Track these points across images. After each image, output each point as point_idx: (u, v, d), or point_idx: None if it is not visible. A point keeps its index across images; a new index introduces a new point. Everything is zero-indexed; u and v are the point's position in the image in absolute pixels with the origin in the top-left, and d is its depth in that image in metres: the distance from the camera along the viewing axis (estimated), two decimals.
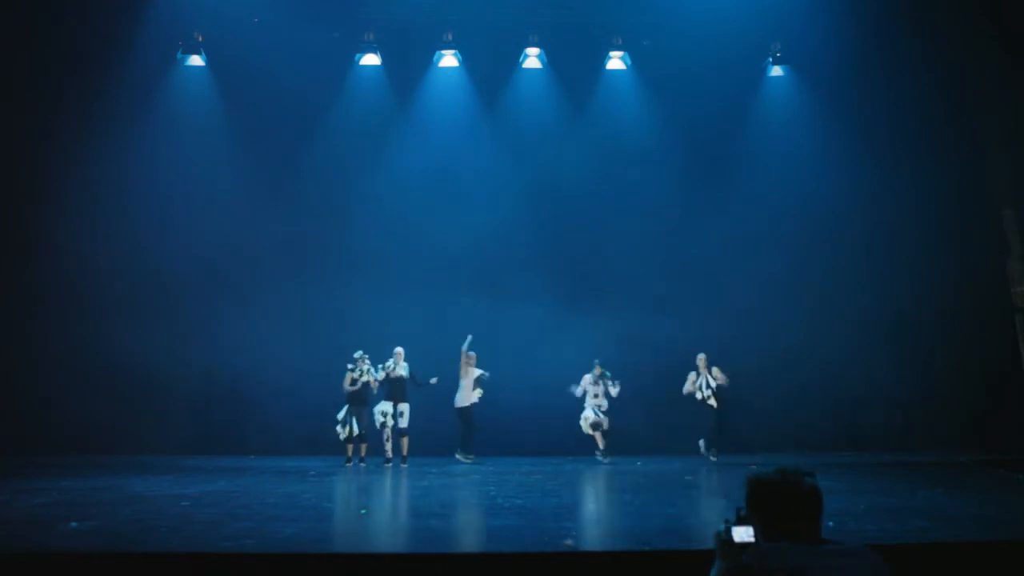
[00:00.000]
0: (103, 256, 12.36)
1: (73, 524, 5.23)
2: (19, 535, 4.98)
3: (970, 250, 12.74)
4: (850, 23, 12.49)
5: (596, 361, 11.47)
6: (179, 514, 5.87)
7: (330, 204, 13.11)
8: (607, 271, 13.06)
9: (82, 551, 4.41)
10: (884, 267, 12.90)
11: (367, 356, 10.78)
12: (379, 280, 12.66)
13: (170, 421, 12.23)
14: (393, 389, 10.76)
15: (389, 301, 12.43)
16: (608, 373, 11.41)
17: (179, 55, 13.07)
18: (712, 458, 11.00)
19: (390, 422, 10.68)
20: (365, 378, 10.69)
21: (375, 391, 10.81)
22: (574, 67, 13.53)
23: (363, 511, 6.72)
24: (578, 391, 11.40)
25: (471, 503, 7.15)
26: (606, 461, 11.00)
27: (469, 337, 11.37)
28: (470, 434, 11.18)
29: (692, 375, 11.38)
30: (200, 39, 12.95)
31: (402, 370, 10.82)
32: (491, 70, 13.52)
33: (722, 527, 2.18)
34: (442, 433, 11.41)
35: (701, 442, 11.18)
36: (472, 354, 11.38)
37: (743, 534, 2.14)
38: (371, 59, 13.32)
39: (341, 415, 10.68)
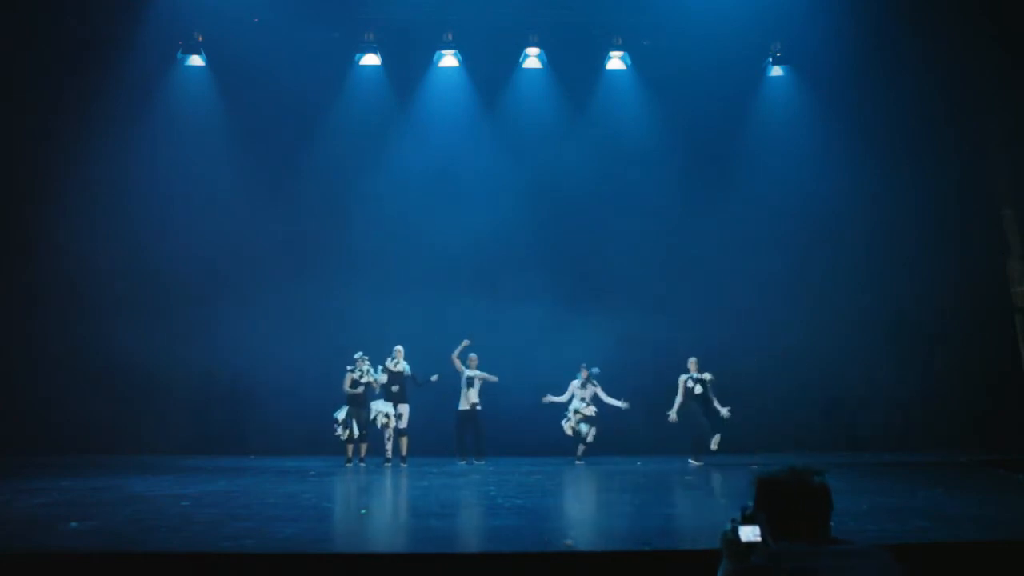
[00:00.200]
0: (103, 256, 12.36)
1: (73, 524, 5.23)
2: (19, 535, 4.97)
3: (970, 250, 12.74)
4: (850, 23, 12.49)
5: (583, 365, 11.42)
6: (179, 514, 5.87)
7: (330, 204, 13.11)
8: (607, 271, 13.07)
9: (82, 551, 4.41)
10: (884, 267, 12.90)
11: (367, 357, 10.77)
12: (379, 280, 12.66)
13: (170, 421, 12.23)
14: (393, 389, 10.75)
15: (389, 301, 12.43)
16: (595, 375, 11.36)
17: (179, 55, 13.06)
18: (697, 463, 10.70)
19: (392, 423, 10.68)
20: (365, 379, 10.69)
21: (377, 391, 10.80)
22: (574, 67, 13.53)
23: (363, 511, 6.72)
24: (564, 396, 11.34)
25: (471, 503, 7.14)
26: (579, 463, 11.03)
27: (464, 342, 11.33)
28: (474, 437, 11.15)
29: (683, 377, 11.20)
30: (200, 39, 12.94)
31: (402, 367, 10.81)
32: (491, 70, 13.52)
33: (728, 527, 2.15)
34: (442, 433, 11.40)
35: (691, 461, 10.90)
36: (473, 356, 11.34)
37: (749, 534, 2.11)
38: (371, 59, 13.32)
39: (341, 416, 10.67)
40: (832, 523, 2.24)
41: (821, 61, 13.03)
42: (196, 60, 13.14)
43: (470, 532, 5.77)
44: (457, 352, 11.31)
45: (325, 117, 13.28)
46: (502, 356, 11.72)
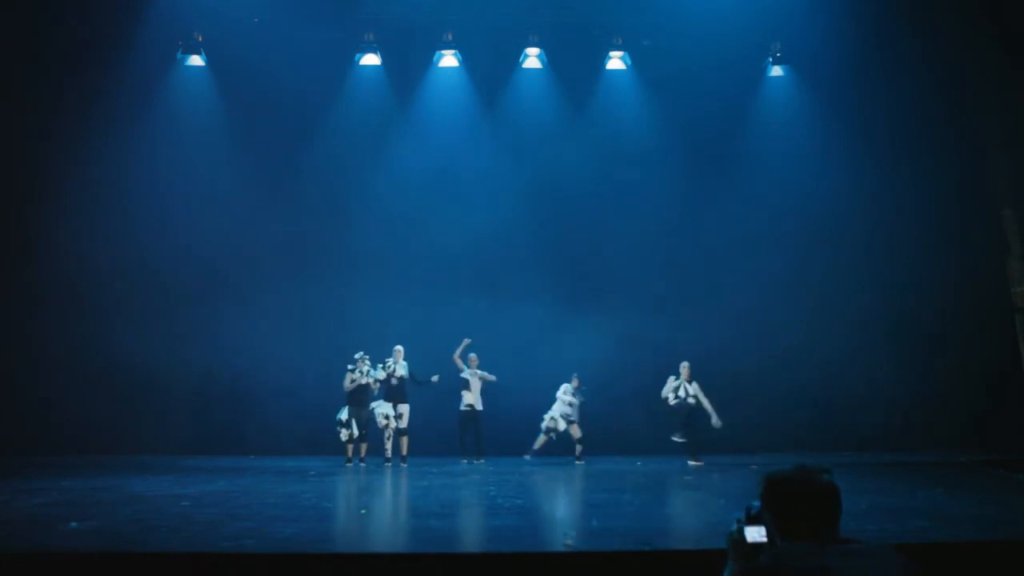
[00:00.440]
0: (103, 256, 12.36)
1: (73, 524, 5.23)
2: (19, 535, 4.97)
3: (970, 250, 12.74)
4: (850, 23, 12.49)
5: (575, 374, 11.40)
6: (179, 514, 5.87)
7: (330, 204, 13.11)
8: (607, 271, 13.06)
9: (82, 551, 4.41)
10: (884, 267, 12.90)
11: (367, 357, 10.77)
12: (379, 280, 12.66)
13: (170, 421, 12.23)
14: (392, 389, 10.75)
15: (389, 301, 12.43)
16: (583, 389, 11.34)
17: (179, 55, 13.07)
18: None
19: (392, 423, 10.68)
20: (365, 379, 10.68)
21: (376, 392, 10.80)
22: (574, 67, 13.53)
23: (363, 511, 6.71)
24: (558, 393, 11.36)
25: (471, 503, 7.14)
26: (527, 458, 11.16)
27: (465, 341, 11.33)
28: (475, 437, 11.16)
29: (672, 379, 11.17)
30: (200, 39, 12.95)
31: (402, 369, 10.81)
32: (491, 70, 13.52)
33: (734, 527, 2.12)
34: (442, 433, 11.40)
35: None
36: (473, 356, 11.34)
37: (755, 534, 2.08)
38: (371, 59, 13.33)
39: (344, 416, 10.66)
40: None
41: (821, 61, 13.03)
42: (196, 60, 13.14)
43: (470, 532, 5.77)
44: (458, 351, 11.33)
45: (325, 117, 13.28)
46: (502, 356, 11.73)
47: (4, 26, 11.91)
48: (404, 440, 10.75)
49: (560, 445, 11.44)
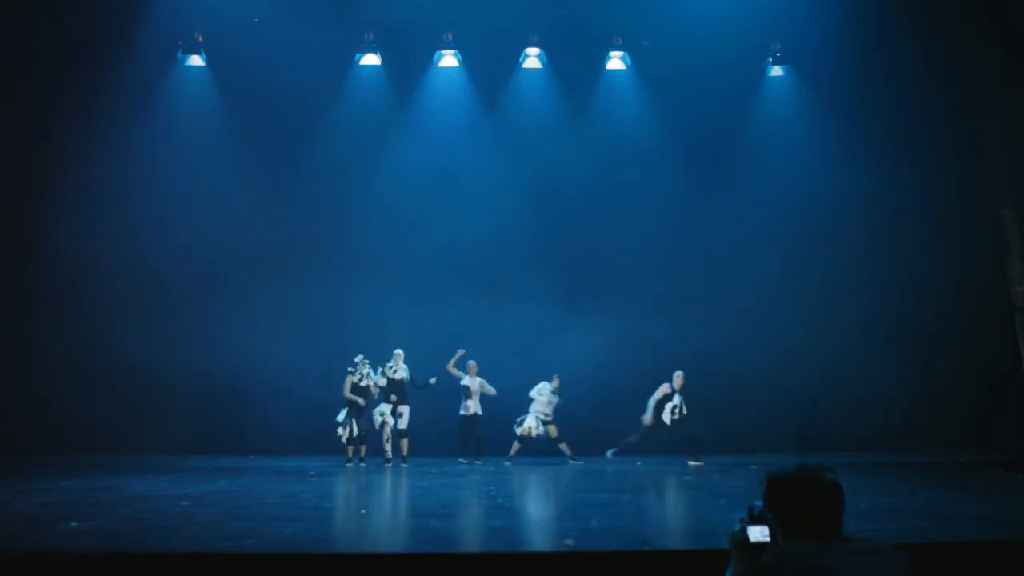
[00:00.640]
0: (103, 256, 12.36)
1: (73, 524, 5.22)
2: (19, 535, 4.97)
3: (970, 250, 12.74)
4: (850, 23, 12.50)
5: (556, 375, 11.33)
6: (179, 514, 5.86)
7: (330, 204, 13.12)
8: (607, 271, 13.06)
9: (82, 551, 4.41)
10: (884, 267, 12.90)
11: (367, 360, 10.77)
12: (379, 280, 12.66)
13: (170, 421, 12.23)
14: (393, 391, 10.74)
15: (389, 301, 12.44)
16: (561, 392, 11.25)
17: (179, 55, 13.07)
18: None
19: (390, 421, 10.67)
20: (365, 382, 10.68)
21: (376, 395, 10.79)
22: (574, 67, 13.53)
23: (363, 511, 6.71)
24: (532, 393, 11.27)
25: (471, 503, 7.14)
26: (508, 464, 10.94)
27: (459, 352, 11.28)
28: (475, 440, 11.14)
29: (665, 387, 11.09)
30: (200, 39, 12.96)
31: (402, 372, 10.81)
32: (491, 70, 13.52)
33: (737, 527, 2.10)
34: (442, 433, 11.39)
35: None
36: (472, 363, 11.30)
37: (758, 534, 2.07)
38: (371, 59, 13.33)
39: (341, 417, 10.66)
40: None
41: (821, 61, 13.03)
42: (196, 60, 13.15)
43: (470, 532, 5.77)
44: (452, 363, 11.22)
45: (325, 117, 13.28)
46: (502, 356, 11.72)
47: (4, 26, 11.91)
48: (404, 441, 10.75)
49: (548, 445, 11.32)
